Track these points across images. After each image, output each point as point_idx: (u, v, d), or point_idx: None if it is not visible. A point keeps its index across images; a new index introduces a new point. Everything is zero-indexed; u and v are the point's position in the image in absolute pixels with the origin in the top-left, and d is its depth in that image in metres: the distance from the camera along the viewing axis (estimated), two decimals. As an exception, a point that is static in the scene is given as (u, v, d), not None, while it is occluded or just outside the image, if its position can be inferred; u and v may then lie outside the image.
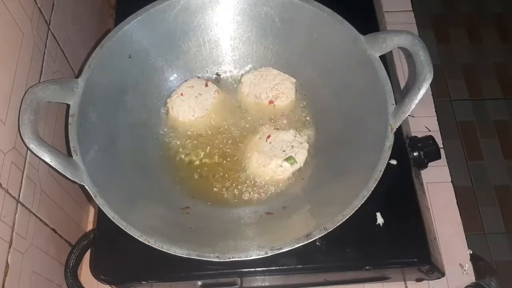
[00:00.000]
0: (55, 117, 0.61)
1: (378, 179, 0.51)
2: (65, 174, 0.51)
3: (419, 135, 0.67)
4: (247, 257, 0.49)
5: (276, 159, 0.62)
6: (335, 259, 0.57)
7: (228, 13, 0.66)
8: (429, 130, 0.77)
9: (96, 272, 0.57)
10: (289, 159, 0.61)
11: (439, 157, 0.66)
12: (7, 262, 0.48)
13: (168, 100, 0.67)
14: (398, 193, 0.60)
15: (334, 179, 0.58)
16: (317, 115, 0.66)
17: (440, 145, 0.69)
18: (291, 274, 0.59)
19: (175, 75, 0.68)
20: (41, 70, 0.57)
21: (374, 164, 0.52)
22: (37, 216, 0.55)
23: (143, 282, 0.57)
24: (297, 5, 0.62)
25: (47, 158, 0.50)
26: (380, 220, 0.58)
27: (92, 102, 0.57)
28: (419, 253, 0.57)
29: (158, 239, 0.50)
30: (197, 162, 0.64)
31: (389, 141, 0.53)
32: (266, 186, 0.62)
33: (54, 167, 0.50)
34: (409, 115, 0.62)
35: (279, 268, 0.56)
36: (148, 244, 0.49)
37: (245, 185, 0.62)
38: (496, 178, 1.59)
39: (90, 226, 0.73)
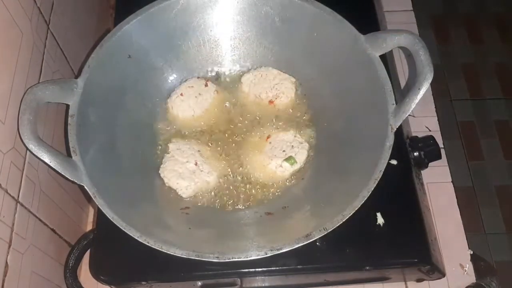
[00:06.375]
0: (54, 118, 0.61)
1: (378, 179, 0.51)
2: (64, 175, 0.50)
3: (420, 135, 0.67)
4: (247, 257, 0.49)
5: (276, 159, 0.61)
6: (335, 260, 0.57)
7: (228, 12, 0.66)
8: (430, 130, 0.77)
9: (96, 272, 0.57)
10: (289, 159, 0.61)
11: (439, 157, 0.66)
12: (6, 262, 0.48)
13: (167, 100, 0.66)
14: (398, 193, 0.60)
15: (334, 179, 0.58)
16: (317, 115, 0.66)
17: (441, 145, 0.69)
18: (291, 275, 0.59)
19: (175, 75, 0.68)
20: (41, 70, 0.57)
21: (374, 164, 0.52)
22: (36, 216, 0.55)
23: (143, 282, 0.57)
24: (297, 4, 0.62)
25: (46, 158, 0.50)
26: (380, 220, 0.58)
27: (91, 103, 0.57)
28: (420, 254, 0.57)
29: (157, 239, 0.49)
30: (197, 162, 0.64)
31: (389, 141, 0.53)
32: (266, 186, 0.62)
33: (54, 167, 0.50)
34: (409, 115, 0.62)
35: (279, 269, 0.56)
36: (148, 244, 0.49)
37: (245, 185, 0.62)
38: (496, 178, 1.58)
39: (89, 226, 0.73)
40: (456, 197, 0.73)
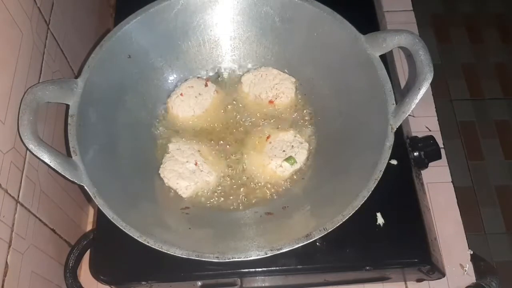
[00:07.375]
0: (54, 118, 0.61)
1: (378, 179, 0.51)
2: (64, 175, 0.50)
3: (420, 135, 0.67)
4: (247, 257, 0.49)
5: (276, 159, 0.61)
6: (335, 260, 0.57)
7: (228, 13, 0.66)
8: (430, 130, 0.77)
9: (96, 272, 0.57)
10: (289, 159, 0.61)
11: (439, 157, 0.66)
12: (6, 262, 0.48)
13: (167, 100, 0.66)
14: (398, 193, 0.60)
15: (334, 179, 0.58)
16: (317, 115, 0.66)
17: (441, 145, 0.69)
18: (291, 275, 0.59)
19: (175, 75, 0.68)
20: (41, 70, 0.57)
21: (374, 164, 0.52)
22: (36, 216, 0.55)
23: (143, 282, 0.57)
24: (297, 4, 0.62)
25: (46, 158, 0.50)
26: (380, 220, 0.58)
27: (91, 103, 0.57)
28: (420, 254, 0.57)
29: (157, 239, 0.49)
30: (197, 162, 0.64)
31: (389, 141, 0.53)
32: (266, 186, 0.62)
33: (54, 167, 0.50)
34: (409, 115, 0.62)
35: (279, 269, 0.56)
36: (148, 244, 0.49)
37: (245, 185, 0.62)
38: (496, 178, 1.58)
39: (89, 227, 0.73)
40: (456, 197, 0.73)
